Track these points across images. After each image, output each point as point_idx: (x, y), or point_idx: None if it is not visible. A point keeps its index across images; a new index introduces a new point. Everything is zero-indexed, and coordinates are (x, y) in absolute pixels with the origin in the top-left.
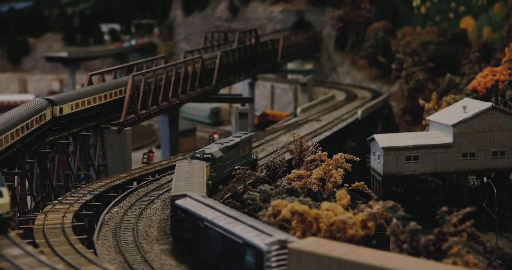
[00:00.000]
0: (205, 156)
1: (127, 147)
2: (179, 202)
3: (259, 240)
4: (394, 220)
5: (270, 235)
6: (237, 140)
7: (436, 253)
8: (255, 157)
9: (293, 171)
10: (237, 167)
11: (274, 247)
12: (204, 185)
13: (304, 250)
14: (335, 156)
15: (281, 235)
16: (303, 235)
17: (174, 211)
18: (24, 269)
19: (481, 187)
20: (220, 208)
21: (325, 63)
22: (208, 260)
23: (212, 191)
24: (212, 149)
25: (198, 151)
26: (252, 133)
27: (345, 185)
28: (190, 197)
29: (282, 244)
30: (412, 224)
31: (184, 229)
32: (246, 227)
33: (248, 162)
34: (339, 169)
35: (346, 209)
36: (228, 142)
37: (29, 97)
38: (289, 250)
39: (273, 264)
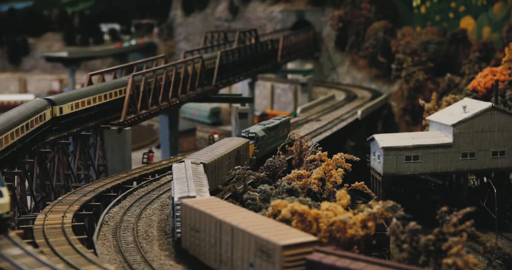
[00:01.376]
0: (249, 135)
1: (127, 147)
2: (173, 165)
3: (177, 195)
4: (394, 220)
5: (188, 191)
6: (277, 122)
7: (436, 253)
8: (292, 138)
9: (293, 171)
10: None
11: (181, 201)
12: (215, 155)
13: (187, 204)
14: (335, 156)
15: (194, 193)
16: None
17: None
18: (24, 269)
19: (481, 187)
20: (188, 172)
21: (325, 63)
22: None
23: (256, 165)
24: (256, 129)
25: (244, 130)
26: (290, 117)
27: (345, 185)
28: (184, 162)
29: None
30: (412, 224)
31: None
32: (184, 186)
33: (286, 142)
34: (339, 169)
35: (346, 209)
36: (270, 123)
37: (29, 97)
38: (181, 204)
39: (179, 214)
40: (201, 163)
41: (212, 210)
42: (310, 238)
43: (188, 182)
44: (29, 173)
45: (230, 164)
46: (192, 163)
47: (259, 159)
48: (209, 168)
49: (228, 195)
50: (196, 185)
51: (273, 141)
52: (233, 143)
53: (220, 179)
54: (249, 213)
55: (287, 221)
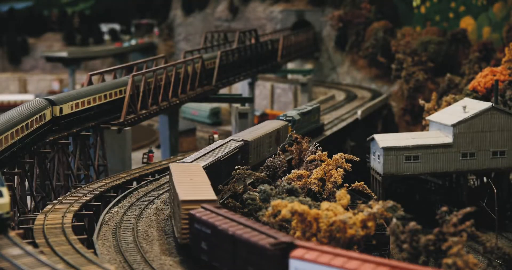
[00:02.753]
0: (287, 118)
1: (127, 147)
2: (219, 140)
3: (179, 161)
4: (394, 220)
5: (184, 158)
6: (309, 108)
7: (436, 253)
8: (322, 123)
9: (293, 171)
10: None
11: (170, 165)
12: (257, 134)
13: (170, 167)
14: (335, 156)
15: (190, 160)
16: (303, 235)
17: None
18: (24, 269)
19: (481, 187)
20: (215, 146)
21: (325, 63)
22: None
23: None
24: (292, 113)
25: (282, 114)
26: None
27: (345, 185)
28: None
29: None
30: (412, 224)
31: None
32: (195, 155)
33: (317, 126)
34: (339, 169)
35: (346, 209)
36: (303, 109)
37: (29, 97)
38: (170, 166)
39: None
40: (243, 140)
41: (176, 173)
42: (210, 197)
43: (202, 152)
44: (29, 173)
45: (270, 142)
46: (232, 139)
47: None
48: (251, 145)
49: (228, 195)
50: (204, 156)
51: (307, 124)
52: (273, 124)
53: (261, 155)
54: (202, 178)
55: (287, 221)
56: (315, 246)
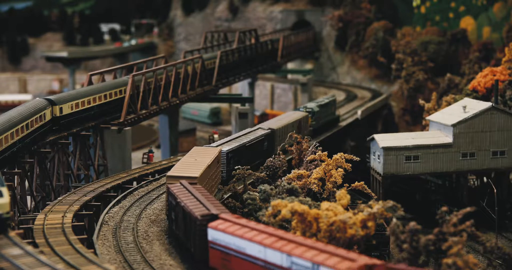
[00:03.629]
0: (307, 110)
1: (127, 147)
2: (249, 129)
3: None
4: (394, 220)
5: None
6: (326, 101)
7: (436, 253)
8: (338, 115)
9: (293, 171)
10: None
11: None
12: (282, 123)
13: (193, 148)
14: (335, 156)
15: (215, 145)
16: (303, 235)
17: None
18: (24, 269)
19: (481, 187)
20: (240, 133)
21: (325, 63)
22: None
23: (312, 133)
24: (312, 105)
25: (301, 106)
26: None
27: (345, 185)
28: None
29: None
30: (412, 224)
31: None
32: (221, 141)
33: (334, 117)
34: (339, 169)
35: (346, 209)
36: (321, 101)
37: (28, 97)
38: (193, 148)
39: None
40: (269, 128)
41: (190, 154)
42: (191, 175)
43: (229, 138)
44: (29, 173)
45: (293, 131)
46: (260, 128)
47: (315, 129)
48: (277, 133)
49: (228, 195)
50: (230, 141)
51: (325, 116)
52: (295, 115)
53: (284, 142)
54: (205, 159)
55: (287, 221)
56: (233, 219)
